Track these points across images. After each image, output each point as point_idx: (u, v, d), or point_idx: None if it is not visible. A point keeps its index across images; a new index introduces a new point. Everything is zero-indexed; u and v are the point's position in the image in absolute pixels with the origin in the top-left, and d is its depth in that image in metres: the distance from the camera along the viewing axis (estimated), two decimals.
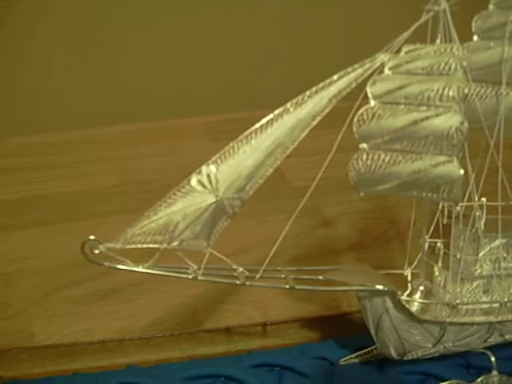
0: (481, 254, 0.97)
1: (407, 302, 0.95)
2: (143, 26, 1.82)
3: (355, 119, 0.88)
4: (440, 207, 1.00)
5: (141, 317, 1.22)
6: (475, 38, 0.96)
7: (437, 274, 1.01)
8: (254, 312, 1.25)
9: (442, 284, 1.00)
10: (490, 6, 0.97)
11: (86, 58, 1.81)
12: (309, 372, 1.04)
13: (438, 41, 0.92)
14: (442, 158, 0.86)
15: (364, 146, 0.89)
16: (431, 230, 1.00)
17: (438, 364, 1.03)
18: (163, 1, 1.80)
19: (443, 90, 0.85)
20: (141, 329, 1.19)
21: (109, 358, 1.07)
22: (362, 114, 0.88)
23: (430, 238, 1.01)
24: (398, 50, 0.93)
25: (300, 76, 1.46)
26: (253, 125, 0.87)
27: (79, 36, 1.76)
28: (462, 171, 0.85)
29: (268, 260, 0.93)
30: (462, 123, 0.84)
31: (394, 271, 1.04)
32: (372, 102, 0.89)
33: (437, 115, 0.85)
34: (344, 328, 1.13)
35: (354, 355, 1.07)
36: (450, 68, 0.88)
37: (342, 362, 1.07)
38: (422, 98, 0.86)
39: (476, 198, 0.97)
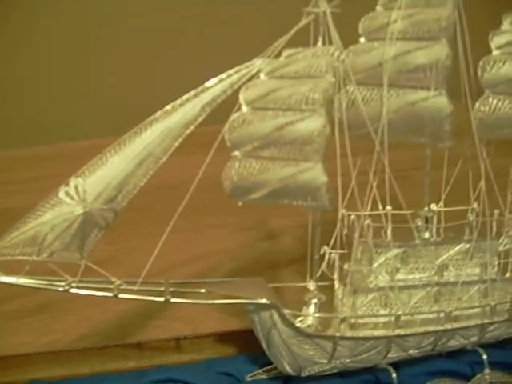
0: (375, 265, 0.93)
1: (294, 315, 0.92)
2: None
3: (227, 126, 0.87)
4: (339, 216, 0.96)
5: (70, 331, 1.21)
6: (362, 39, 0.93)
7: (336, 286, 0.97)
8: (183, 327, 1.23)
9: (340, 296, 0.95)
10: (377, 7, 0.93)
11: (59, 72, 1.84)
12: None
13: (318, 44, 0.89)
14: (308, 164, 0.83)
15: (236, 153, 0.87)
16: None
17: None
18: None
19: (309, 93, 0.83)
20: (67, 343, 1.19)
21: (13, 374, 1.06)
22: (233, 121, 0.86)
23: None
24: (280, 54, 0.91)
25: None
26: None
27: (49, 52, 1.80)
28: (325, 178, 0.82)
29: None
30: (324, 127, 0.81)
31: (296, 284, 1.00)
32: (244, 108, 0.87)
33: (301, 119, 0.82)
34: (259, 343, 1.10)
35: (260, 371, 1.03)
36: (320, 70, 0.85)
37: (249, 378, 1.03)
38: (290, 102, 0.84)
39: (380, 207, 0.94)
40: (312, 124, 0.81)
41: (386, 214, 0.97)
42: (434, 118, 0.88)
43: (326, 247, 0.96)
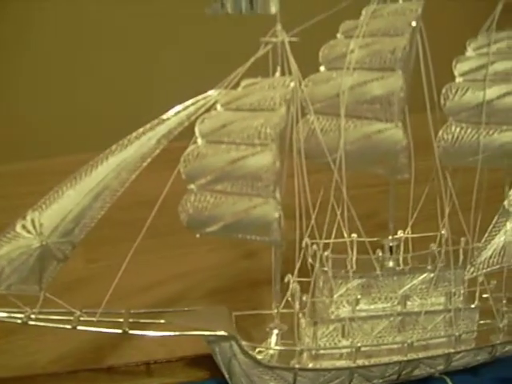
0: (336, 296, 0.92)
1: (252, 347, 0.91)
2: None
3: (182, 159, 0.86)
4: (303, 245, 0.96)
5: (46, 353, 1.22)
6: (322, 68, 0.92)
7: (300, 316, 0.96)
8: (159, 349, 1.23)
9: (303, 326, 0.95)
10: (338, 35, 0.92)
11: (48, 86, 1.85)
12: None
13: (277, 74, 0.89)
14: (260, 200, 0.82)
15: (192, 186, 0.87)
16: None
17: None
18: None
19: (261, 127, 0.82)
20: (43, 365, 1.20)
21: None
22: (188, 154, 0.86)
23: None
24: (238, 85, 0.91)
25: None
26: None
27: (37, 67, 1.81)
28: (277, 214, 0.81)
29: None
30: (273, 163, 0.80)
31: (262, 312, 1.00)
32: (199, 141, 0.86)
33: (252, 155, 0.82)
34: None
35: None
36: (274, 103, 0.84)
37: None
38: (243, 136, 0.83)
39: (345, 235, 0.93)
40: (262, 160, 0.80)
41: (351, 242, 0.96)
42: (390, 150, 0.86)
43: (289, 276, 0.96)
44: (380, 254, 0.95)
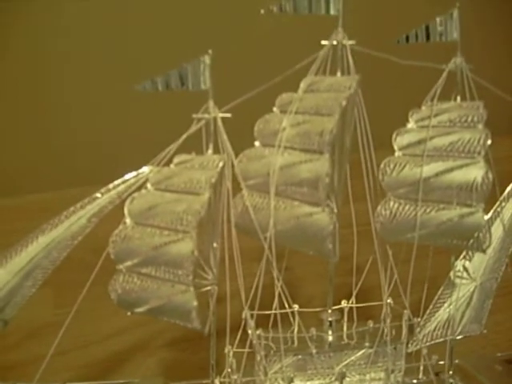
0: (270, 373, 0.91)
1: None
2: None
3: (110, 240, 0.86)
4: (243, 316, 0.95)
5: None
6: (257, 143, 0.90)
7: None
8: None
9: None
10: (274, 108, 0.91)
11: (26, 122, 1.87)
12: None
13: (209, 151, 0.88)
14: (181, 287, 0.82)
15: (120, 267, 0.86)
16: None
17: None
18: None
19: (183, 213, 0.81)
20: None
21: None
22: (116, 235, 0.86)
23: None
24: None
25: None
26: None
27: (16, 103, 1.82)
28: (195, 303, 0.81)
29: None
30: (192, 253, 0.79)
31: (202, 382, 0.99)
32: (127, 221, 0.86)
33: (174, 242, 0.81)
34: None
35: None
36: (200, 187, 0.83)
37: None
38: (167, 220, 0.83)
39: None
40: (183, 248, 0.80)
41: (293, 313, 0.95)
42: (317, 234, 0.85)
43: (229, 347, 0.95)
44: (314, 332, 0.94)
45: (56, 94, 1.90)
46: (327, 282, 0.96)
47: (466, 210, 0.87)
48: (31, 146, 1.87)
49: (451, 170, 0.87)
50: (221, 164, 0.84)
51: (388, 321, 0.92)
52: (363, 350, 0.93)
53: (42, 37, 1.88)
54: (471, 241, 0.88)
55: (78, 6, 1.89)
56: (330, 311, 0.95)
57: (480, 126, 0.89)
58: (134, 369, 1.27)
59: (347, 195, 0.94)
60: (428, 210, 0.88)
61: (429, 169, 0.87)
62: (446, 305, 0.97)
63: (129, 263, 0.85)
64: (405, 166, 0.89)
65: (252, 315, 0.95)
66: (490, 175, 0.85)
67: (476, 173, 0.86)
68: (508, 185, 1.01)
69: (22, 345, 1.35)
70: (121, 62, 1.92)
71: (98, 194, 0.87)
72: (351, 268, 1.08)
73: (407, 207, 0.89)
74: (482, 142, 0.86)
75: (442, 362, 1.03)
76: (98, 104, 1.90)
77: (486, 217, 0.89)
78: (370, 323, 0.93)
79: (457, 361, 1.03)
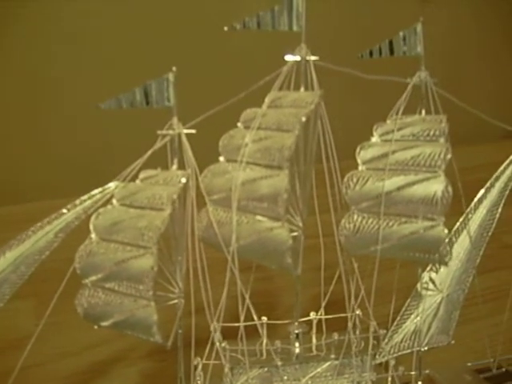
0: None
1: None
2: None
3: (77, 254, 0.87)
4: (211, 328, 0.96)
5: None
6: (221, 158, 0.91)
7: None
8: None
9: None
10: (239, 124, 0.92)
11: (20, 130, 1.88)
12: None
13: (174, 166, 0.89)
14: (142, 302, 0.83)
15: (86, 281, 0.88)
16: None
17: None
18: None
19: (144, 229, 0.83)
20: None
21: None
22: (81, 250, 0.87)
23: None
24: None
25: None
26: None
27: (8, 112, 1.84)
28: (155, 317, 0.82)
29: None
30: (152, 268, 0.80)
31: None
32: (93, 237, 0.87)
33: (135, 257, 0.82)
34: None
35: None
36: (162, 203, 0.84)
37: None
38: (129, 237, 0.84)
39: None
40: (143, 264, 0.81)
41: (262, 325, 0.96)
42: (277, 249, 0.86)
43: (198, 359, 0.97)
44: (279, 344, 0.95)
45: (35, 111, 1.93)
46: (294, 294, 0.97)
47: (427, 223, 0.88)
48: (14, 158, 1.88)
49: (412, 184, 0.88)
50: (183, 180, 0.86)
51: (357, 332, 0.92)
52: (329, 362, 0.94)
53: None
54: (433, 254, 0.89)
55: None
56: (296, 323, 0.96)
57: (442, 140, 0.90)
58: (113, 379, 1.29)
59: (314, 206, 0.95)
60: (390, 224, 0.89)
61: (391, 183, 0.88)
62: (412, 316, 0.97)
63: (93, 278, 0.86)
64: (367, 180, 0.89)
65: (219, 327, 0.96)
66: (450, 189, 0.86)
67: (436, 187, 0.87)
68: (473, 195, 1.03)
69: (5, 355, 1.37)
70: (86, 79, 1.94)
71: (65, 210, 0.88)
72: (330, 276, 1.10)
73: (370, 221, 0.90)
74: (442, 155, 0.87)
75: (412, 373, 1.04)
76: (71, 119, 1.92)
77: (448, 230, 0.90)
78: (335, 335, 0.94)
79: (427, 371, 1.04)
